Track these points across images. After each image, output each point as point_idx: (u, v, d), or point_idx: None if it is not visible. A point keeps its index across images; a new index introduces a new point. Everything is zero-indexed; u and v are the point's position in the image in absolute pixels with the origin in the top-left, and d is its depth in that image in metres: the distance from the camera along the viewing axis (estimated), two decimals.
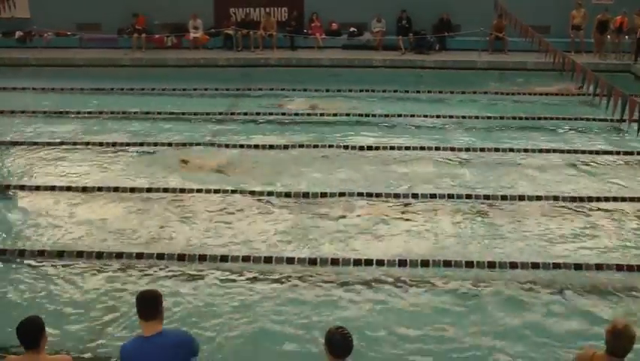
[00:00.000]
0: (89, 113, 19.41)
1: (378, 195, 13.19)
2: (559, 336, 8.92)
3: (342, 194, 13.21)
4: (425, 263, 10.61)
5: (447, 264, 10.60)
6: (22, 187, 14.29)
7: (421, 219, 12.36)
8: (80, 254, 11.22)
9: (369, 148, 15.88)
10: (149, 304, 5.97)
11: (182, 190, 13.60)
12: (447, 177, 14.38)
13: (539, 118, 18.56)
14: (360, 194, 13.20)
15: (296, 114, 18.80)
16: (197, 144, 16.33)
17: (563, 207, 12.83)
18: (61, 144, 16.69)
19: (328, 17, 25.75)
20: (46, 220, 12.80)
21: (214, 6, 26.78)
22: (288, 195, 13.28)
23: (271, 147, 16.11)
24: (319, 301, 9.80)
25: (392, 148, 15.85)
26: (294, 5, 26.22)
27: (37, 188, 14.16)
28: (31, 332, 5.81)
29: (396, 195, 13.24)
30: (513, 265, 10.54)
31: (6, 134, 17.66)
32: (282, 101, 20.20)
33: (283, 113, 18.89)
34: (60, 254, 11.24)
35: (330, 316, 9.32)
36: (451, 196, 13.14)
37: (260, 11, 26.38)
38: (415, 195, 13.17)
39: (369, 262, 10.65)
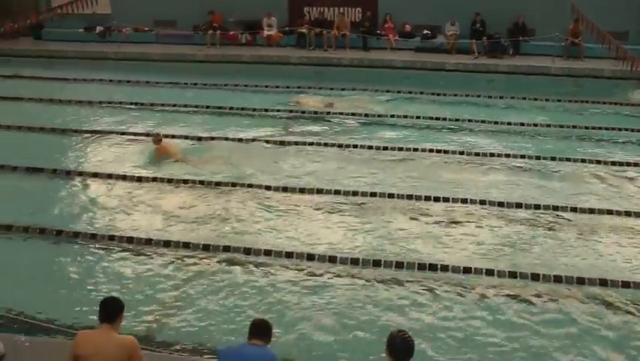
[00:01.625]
0: (162, 105, 19.84)
1: (445, 199, 13.03)
2: None
3: (409, 196, 13.13)
4: (513, 275, 10.42)
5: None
6: (95, 174, 14.75)
7: (488, 227, 12.18)
8: (148, 241, 11.58)
9: (439, 152, 15.70)
10: (262, 330, 6.42)
11: (250, 185, 13.82)
12: (516, 185, 14.09)
13: (614, 129, 17.69)
14: (436, 199, 13.03)
15: (366, 115, 18.71)
16: (266, 141, 16.52)
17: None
18: (134, 134, 17.19)
19: (402, 19, 25.59)
20: (117, 207, 13.28)
21: (288, 4, 26.96)
22: (355, 193, 13.32)
23: (340, 146, 16.13)
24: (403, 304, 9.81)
25: (461, 153, 15.60)
26: (368, 6, 26.16)
27: (110, 176, 14.63)
28: (112, 308, 6.35)
29: (464, 201, 13.06)
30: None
31: (84, 124, 18.29)
32: (351, 102, 20.12)
33: (353, 114, 18.80)
34: (130, 240, 11.63)
35: (412, 320, 9.36)
36: (519, 205, 12.83)
37: (334, 11, 26.41)
38: (482, 202, 12.94)
39: (445, 268, 10.58)
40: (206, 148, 16.20)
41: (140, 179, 14.39)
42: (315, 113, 18.97)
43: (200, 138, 16.80)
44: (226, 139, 16.63)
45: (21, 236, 12.03)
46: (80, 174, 14.83)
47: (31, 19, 28.39)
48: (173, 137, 16.74)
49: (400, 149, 15.83)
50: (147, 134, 16.87)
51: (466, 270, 10.50)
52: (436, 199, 13.01)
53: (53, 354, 7.99)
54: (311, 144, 16.25)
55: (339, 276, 10.52)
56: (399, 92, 20.97)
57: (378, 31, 25.67)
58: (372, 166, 14.98)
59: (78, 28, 29.02)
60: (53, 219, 12.59)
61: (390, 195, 13.17)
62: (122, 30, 28.11)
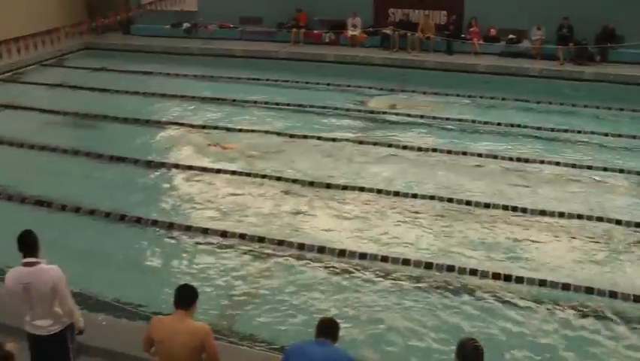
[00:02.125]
0: (244, 101, 20.07)
1: (523, 210, 12.76)
2: None
3: (487, 205, 12.93)
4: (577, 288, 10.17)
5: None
6: (176, 165, 15.12)
7: (567, 240, 11.83)
8: (223, 234, 11.77)
9: (519, 160, 15.36)
10: (329, 329, 6.34)
11: (329, 185, 13.89)
12: (595, 198, 13.55)
13: None
14: (514, 208, 12.79)
15: (447, 119, 18.47)
16: (346, 140, 16.53)
17: None
18: (215, 128, 17.46)
19: (487, 23, 25.17)
20: (195, 198, 13.58)
21: (374, 5, 26.82)
22: (432, 197, 13.22)
23: (419, 149, 15.98)
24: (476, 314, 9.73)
25: (542, 162, 15.18)
26: (453, 9, 25.85)
27: (190, 167, 14.98)
28: (187, 294, 6.46)
29: (542, 212, 12.69)
30: None
31: (166, 116, 18.70)
32: (433, 105, 19.94)
33: (434, 117, 18.59)
34: (205, 231, 11.87)
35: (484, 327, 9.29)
36: (600, 219, 12.41)
37: (419, 13, 26.29)
38: (561, 214, 12.54)
39: (519, 280, 10.36)
40: (284, 145, 16.31)
41: (219, 171, 14.63)
42: (395, 114, 18.87)
43: (278, 134, 16.96)
44: (304, 137, 16.71)
45: (103, 221, 12.44)
46: (162, 165, 15.17)
47: (121, 15, 29.15)
48: (253, 131, 16.97)
49: (480, 155, 15.57)
50: (228, 129, 17.12)
51: (542, 283, 10.28)
52: (514, 209, 12.77)
53: (129, 335, 8.19)
54: (389, 145, 16.19)
55: (411, 278, 10.47)
56: (481, 97, 20.60)
57: (463, 35, 25.35)
58: (450, 171, 14.79)
59: (165, 25, 29.60)
60: (134, 207, 12.91)
61: (468, 202, 13.02)
62: (208, 27, 28.55)
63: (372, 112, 19.15)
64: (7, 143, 16.70)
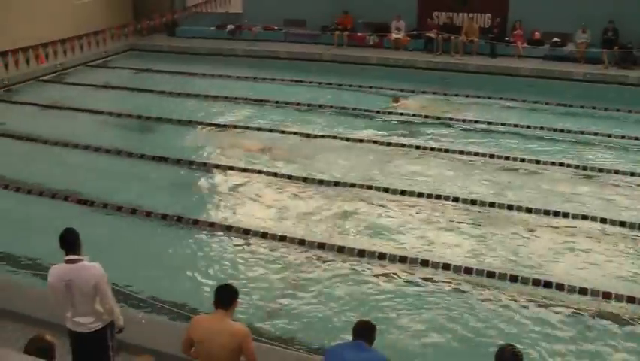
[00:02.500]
0: (287, 103, 20.12)
1: (565, 215, 12.51)
2: None
3: (528, 209, 12.74)
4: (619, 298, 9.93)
5: None
6: (217, 166, 15.23)
7: (610, 247, 11.57)
8: (264, 235, 11.80)
9: (561, 165, 15.09)
10: (366, 331, 6.31)
11: (370, 187, 13.83)
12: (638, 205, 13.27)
13: None
14: (555, 213, 12.57)
15: (489, 122, 18.25)
16: (388, 144, 16.44)
17: None
18: (259, 129, 17.52)
19: (532, 26, 24.87)
20: (237, 198, 13.64)
21: (418, 8, 26.75)
22: (474, 202, 13.08)
23: (461, 152, 15.85)
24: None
25: (584, 168, 14.91)
26: (498, 12, 25.63)
27: (218, 167, 15.16)
28: (227, 294, 6.46)
29: (584, 217, 12.45)
30: None
31: (208, 117, 18.84)
32: (474, 109, 19.75)
33: (476, 121, 18.38)
34: (246, 232, 11.89)
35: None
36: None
37: (463, 16, 26.13)
38: (603, 220, 12.28)
39: (560, 287, 10.15)
40: (326, 147, 16.30)
41: (260, 172, 14.65)
42: (438, 118, 18.69)
43: (321, 136, 16.95)
44: (347, 139, 16.70)
45: (144, 220, 12.56)
46: (204, 165, 15.29)
47: (166, 17, 29.42)
48: (295, 133, 17.07)
49: (522, 160, 15.32)
50: (271, 130, 17.26)
51: (582, 291, 10.08)
52: (556, 214, 12.56)
53: (168, 334, 8.24)
54: (432, 149, 16.09)
55: (451, 283, 10.37)
56: (524, 100, 20.35)
57: (507, 38, 25.12)
58: (491, 175, 14.66)
59: (210, 26, 29.86)
60: (175, 207, 13.00)
61: (510, 207, 12.84)
62: (252, 28, 28.72)
63: (414, 115, 19.00)
64: (51, 142, 16.95)
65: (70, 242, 6.88)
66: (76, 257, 6.86)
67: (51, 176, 14.78)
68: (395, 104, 19.80)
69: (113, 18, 28.57)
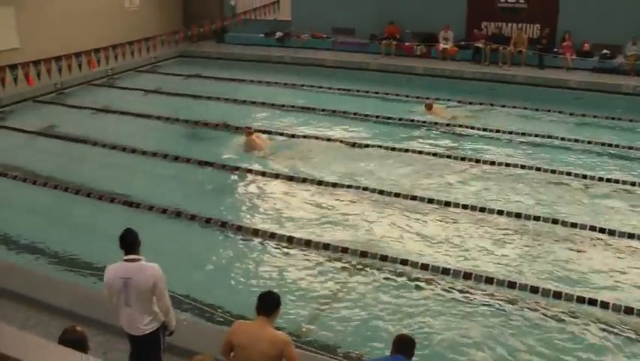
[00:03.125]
0: (333, 111, 20.16)
1: (611, 232, 12.23)
2: None
3: (573, 224, 12.51)
4: None
5: None
6: (263, 173, 15.29)
7: None
8: (307, 243, 11.82)
9: (609, 181, 14.78)
10: (406, 345, 6.34)
11: (414, 197, 13.78)
12: None
13: None
14: (601, 230, 12.29)
15: (535, 135, 17.99)
16: (434, 154, 16.36)
17: None
18: (305, 137, 17.64)
19: (581, 37, 24.50)
20: (280, 205, 13.71)
21: (467, 18, 26.64)
22: (518, 215, 12.91)
23: (507, 165, 15.64)
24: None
25: (632, 184, 14.60)
26: (547, 22, 25.34)
27: (263, 174, 15.23)
28: (270, 301, 6.52)
29: (630, 236, 12.14)
30: None
31: (257, 123, 18.92)
32: (521, 122, 19.48)
33: (523, 134, 18.10)
34: (290, 239, 11.93)
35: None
36: None
37: (512, 26, 25.96)
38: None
39: (617, 308, 9.89)
40: (371, 157, 16.29)
41: (304, 180, 14.71)
42: (484, 129, 18.50)
43: (366, 146, 16.96)
44: (392, 149, 16.66)
45: (188, 223, 12.69)
46: (249, 171, 15.39)
47: (216, 23, 29.73)
48: (340, 142, 17.10)
49: (569, 174, 15.07)
50: (317, 137, 17.39)
51: (627, 310, 9.81)
52: (602, 230, 12.33)
53: (209, 336, 8.32)
54: (477, 160, 15.93)
55: (493, 297, 10.24)
56: (571, 114, 20.04)
57: (556, 49, 24.86)
58: (536, 189, 14.45)
59: (259, 34, 30.11)
60: (219, 211, 13.16)
61: (555, 221, 12.64)
62: (301, 36, 28.89)
63: (460, 125, 18.87)
64: (100, 144, 17.25)
65: (129, 242, 7.06)
66: (135, 257, 7.03)
67: (99, 177, 15.12)
68: (428, 111, 19.77)
69: (164, 25, 29.03)
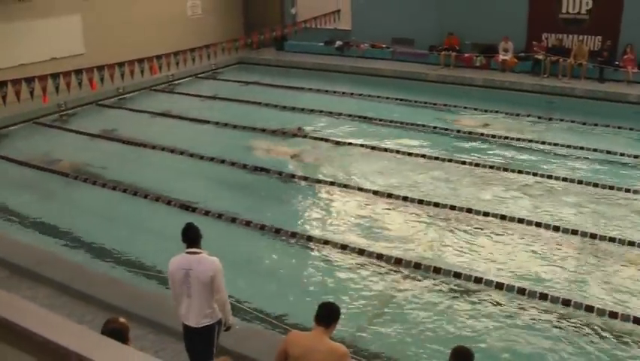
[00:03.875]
0: (390, 121, 20.16)
1: None
2: None
3: (631, 243, 12.24)
4: None
5: None
6: (318, 180, 15.42)
7: None
8: (361, 252, 11.86)
9: None
10: (462, 356, 6.18)
11: (469, 210, 13.72)
12: None
13: None
14: None
15: (594, 150, 17.50)
16: (490, 167, 16.20)
17: None
18: (362, 146, 17.72)
19: None
20: (336, 212, 13.85)
21: (527, 30, 26.30)
22: (574, 232, 12.66)
23: (564, 179, 15.34)
24: None
25: None
26: (609, 35, 24.78)
27: (318, 181, 15.39)
28: (330, 312, 6.48)
29: None
30: None
31: (313, 131, 19.16)
32: (580, 136, 19.02)
33: (582, 148, 17.68)
34: (344, 247, 12.00)
35: None
36: None
37: (572, 38, 25.61)
38: None
39: None
40: (428, 168, 16.26)
41: (360, 189, 14.76)
42: (542, 142, 18.21)
43: (423, 156, 16.93)
44: (449, 160, 16.58)
45: (243, 228, 12.86)
46: (305, 178, 15.51)
47: (276, 31, 29.99)
48: (398, 152, 17.12)
49: (627, 190, 14.73)
50: (373, 147, 17.45)
51: None
52: None
53: (261, 342, 8.41)
54: (535, 174, 15.64)
55: (547, 313, 10.11)
56: (631, 129, 19.56)
57: (617, 62, 24.40)
58: (595, 205, 14.15)
59: (318, 42, 30.27)
60: (274, 217, 13.26)
61: (612, 240, 12.37)
62: (360, 45, 28.96)
63: (518, 139, 18.60)
64: (159, 148, 17.60)
65: (191, 237, 7.35)
66: (196, 250, 7.31)
67: (156, 180, 15.51)
68: (454, 121, 19.75)
69: (225, 32, 29.44)
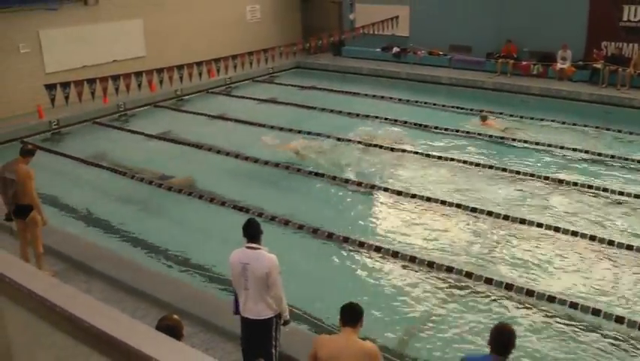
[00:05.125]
0: (445, 129, 20.07)
1: None
2: None
3: None
4: None
5: None
6: (372, 186, 15.52)
7: None
8: (412, 259, 11.90)
9: None
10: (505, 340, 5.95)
11: (538, 224, 13.49)
12: None
13: None
14: None
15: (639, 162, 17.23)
16: (545, 178, 15.96)
17: None
18: (415, 153, 17.75)
19: None
20: (386, 218, 13.96)
21: (587, 38, 25.91)
22: (611, 242, 12.45)
23: (605, 190, 15.07)
24: None
25: None
26: None
27: (372, 187, 15.44)
28: (354, 312, 6.64)
29: None
30: None
31: (369, 137, 19.16)
32: (635, 147, 18.64)
33: (625, 158, 17.33)
34: (395, 254, 12.04)
35: None
36: None
37: (633, 47, 25.04)
38: None
39: None
40: (480, 177, 16.21)
41: (413, 196, 14.76)
42: (599, 154, 17.78)
43: (476, 165, 16.84)
44: (503, 170, 16.44)
45: (295, 232, 13.04)
46: (358, 183, 15.58)
47: (334, 36, 30.18)
48: (452, 159, 17.13)
49: None
50: (428, 155, 17.44)
51: None
52: None
53: (298, 342, 8.54)
54: (590, 186, 15.34)
55: (585, 324, 10.03)
56: None
57: None
58: (635, 216, 13.94)
59: (376, 48, 30.38)
60: (325, 221, 13.40)
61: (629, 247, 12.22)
62: (417, 52, 28.97)
63: (574, 149, 18.16)
64: (215, 150, 17.91)
65: (251, 232, 7.64)
66: (255, 245, 7.58)
67: (210, 181, 15.90)
68: (482, 123, 19.67)
69: (283, 37, 29.80)
